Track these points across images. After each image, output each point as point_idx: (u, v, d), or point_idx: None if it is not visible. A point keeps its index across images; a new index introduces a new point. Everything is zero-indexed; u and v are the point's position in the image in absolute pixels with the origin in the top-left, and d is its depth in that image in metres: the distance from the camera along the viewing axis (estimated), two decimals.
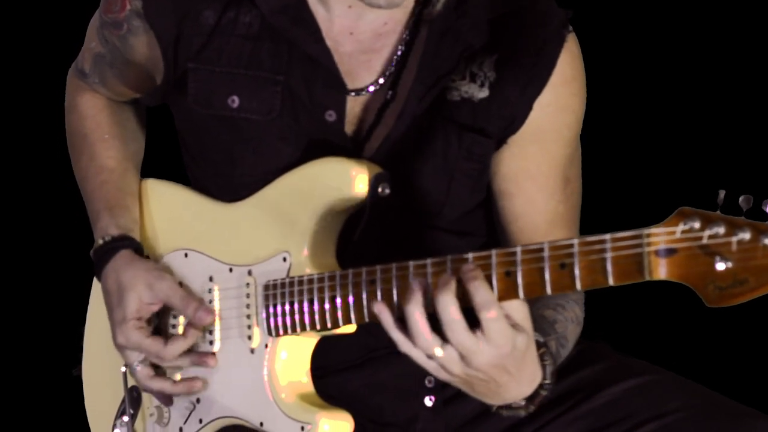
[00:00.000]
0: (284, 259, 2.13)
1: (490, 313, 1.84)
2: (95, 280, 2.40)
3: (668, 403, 2.12)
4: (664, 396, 2.14)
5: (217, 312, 2.19)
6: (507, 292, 1.87)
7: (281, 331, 2.11)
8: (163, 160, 2.45)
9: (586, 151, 2.28)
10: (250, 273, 2.17)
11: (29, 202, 3.49)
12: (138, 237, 2.29)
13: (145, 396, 2.28)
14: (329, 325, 2.05)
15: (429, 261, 1.93)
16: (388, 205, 2.10)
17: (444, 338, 1.87)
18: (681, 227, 1.74)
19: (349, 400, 2.17)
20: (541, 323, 2.07)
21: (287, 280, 2.11)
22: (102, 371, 2.36)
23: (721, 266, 1.72)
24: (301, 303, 2.08)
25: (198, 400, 2.21)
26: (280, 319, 2.11)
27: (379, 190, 2.09)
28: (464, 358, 1.87)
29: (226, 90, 2.23)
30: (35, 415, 3.45)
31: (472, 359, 1.86)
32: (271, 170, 2.19)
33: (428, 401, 2.26)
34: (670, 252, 1.75)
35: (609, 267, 1.79)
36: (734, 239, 1.71)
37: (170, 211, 2.31)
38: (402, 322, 1.89)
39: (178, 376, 2.22)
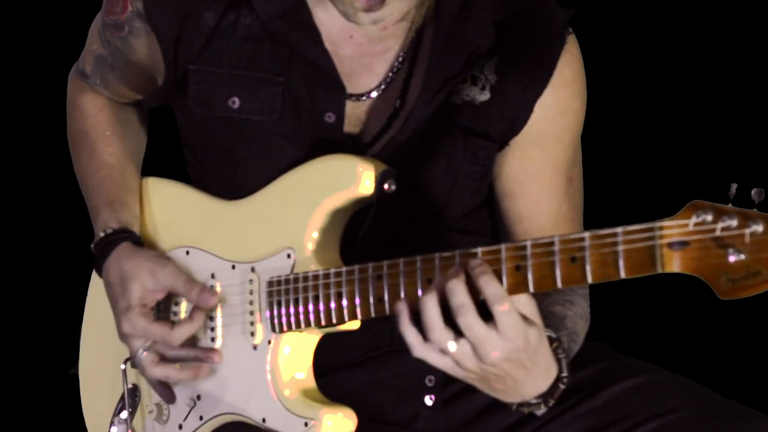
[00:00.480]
0: (288, 256, 2.13)
1: (502, 306, 1.85)
2: (92, 279, 2.39)
3: (668, 403, 2.12)
4: (664, 396, 2.14)
5: (218, 309, 2.18)
6: (517, 287, 1.88)
7: (285, 328, 2.11)
8: (165, 159, 2.44)
9: (596, 147, 2.29)
10: (253, 270, 2.16)
11: (28, 202, 3.47)
12: (138, 232, 2.28)
13: (144, 393, 2.27)
14: (334, 321, 2.05)
15: (437, 255, 1.94)
16: (393, 203, 2.10)
17: (457, 332, 1.87)
18: (694, 220, 1.75)
19: (350, 398, 2.16)
20: (551, 319, 2.08)
21: (291, 277, 2.11)
22: (99, 370, 2.35)
23: (733, 258, 1.73)
24: (306, 299, 2.08)
25: (198, 397, 2.20)
26: (284, 315, 2.10)
27: (386, 186, 2.09)
28: (477, 352, 1.87)
29: (226, 91, 2.23)
30: (32, 413, 3.42)
31: (486, 352, 1.87)
32: (274, 169, 2.19)
33: (428, 400, 2.26)
34: (682, 244, 1.76)
35: (621, 260, 1.80)
36: (747, 231, 1.72)
37: (171, 209, 2.30)
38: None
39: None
